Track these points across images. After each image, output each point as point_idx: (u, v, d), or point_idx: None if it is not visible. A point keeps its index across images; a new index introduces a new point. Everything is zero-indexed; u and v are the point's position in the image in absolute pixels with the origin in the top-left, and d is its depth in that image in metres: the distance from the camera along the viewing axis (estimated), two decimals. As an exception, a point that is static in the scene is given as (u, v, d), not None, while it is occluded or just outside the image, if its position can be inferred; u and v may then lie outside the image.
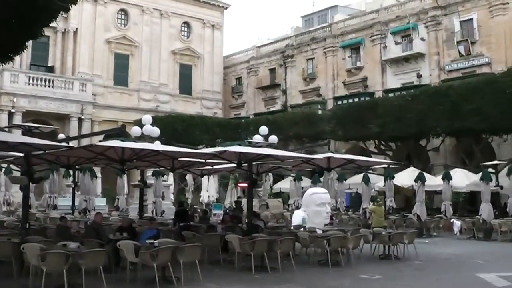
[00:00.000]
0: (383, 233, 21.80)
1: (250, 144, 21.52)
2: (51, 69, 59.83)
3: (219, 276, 16.81)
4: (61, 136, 36.88)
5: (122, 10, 64.84)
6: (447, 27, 51.12)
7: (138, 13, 65.63)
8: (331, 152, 28.74)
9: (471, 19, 49.26)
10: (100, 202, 38.02)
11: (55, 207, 31.38)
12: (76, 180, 30.66)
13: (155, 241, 15.50)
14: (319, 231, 21.88)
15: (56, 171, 30.14)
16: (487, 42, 48.07)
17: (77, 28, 60.89)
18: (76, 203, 29.24)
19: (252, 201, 22.12)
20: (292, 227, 24.81)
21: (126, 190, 33.23)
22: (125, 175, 31.93)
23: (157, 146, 19.46)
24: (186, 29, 70.12)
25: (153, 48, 66.03)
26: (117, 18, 64.58)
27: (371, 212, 28.75)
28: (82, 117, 57.16)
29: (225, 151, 18.78)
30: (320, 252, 20.13)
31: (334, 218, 29.53)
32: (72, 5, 16.99)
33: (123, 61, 64.25)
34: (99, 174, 35.27)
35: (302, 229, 22.95)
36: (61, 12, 16.73)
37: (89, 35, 61.62)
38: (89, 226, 19.21)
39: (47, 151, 18.19)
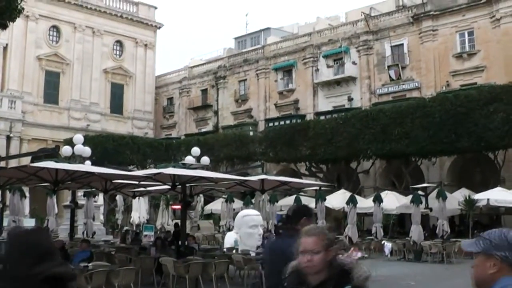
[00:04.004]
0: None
1: (184, 166, 21.50)
2: (-21, 85, 58.36)
3: (154, 299, 16.72)
4: (-11, 154, 36.05)
5: (54, 26, 63.61)
6: (379, 52, 52.10)
7: (70, 30, 64.53)
8: (264, 174, 28.82)
9: (402, 44, 50.39)
10: (29, 223, 36.88)
11: (-18, 228, 30.56)
12: (4, 200, 30.00)
13: (88, 264, 15.30)
14: (252, 254, 21.87)
15: (-17, 190, 29.43)
16: (417, 67, 49.16)
17: (7, 44, 59.31)
18: (5, 224, 28.54)
19: (186, 223, 22.07)
20: (225, 249, 24.76)
21: (56, 210, 32.58)
22: (55, 195, 31.37)
23: (92, 168, 19.19)
24: (118, 48, 69.39)
25: (85, 66, 64.91)
26: (49, 34, 63.27)
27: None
28: (11, 135, 55.77)
29: (159, 173, 18.67)
30: (254, 274, 20.09)
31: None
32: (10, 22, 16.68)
33: (54, 78, 62.97)
34: (27, 194, 34.51)
35: (234, 251, 22.93)
36: (-2, 28, 16.43)
37: (19, 51, 60.16)
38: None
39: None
